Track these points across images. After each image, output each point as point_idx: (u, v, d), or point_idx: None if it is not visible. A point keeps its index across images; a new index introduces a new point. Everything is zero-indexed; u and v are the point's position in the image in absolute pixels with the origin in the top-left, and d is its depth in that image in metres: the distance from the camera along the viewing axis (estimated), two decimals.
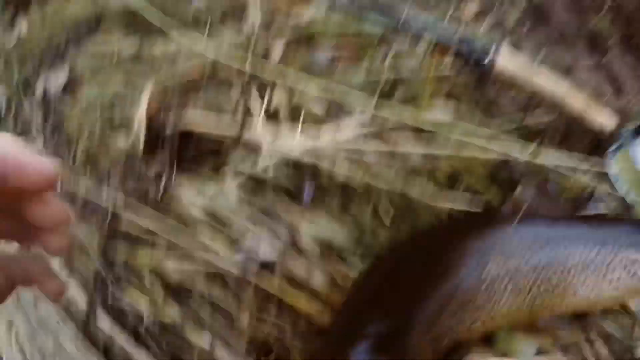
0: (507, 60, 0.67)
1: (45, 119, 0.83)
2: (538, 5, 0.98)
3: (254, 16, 0.70)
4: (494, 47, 0.67)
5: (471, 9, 0.90)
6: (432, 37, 0.66)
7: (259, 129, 0.53)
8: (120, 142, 0.65)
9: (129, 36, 0.90)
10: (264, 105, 0.54)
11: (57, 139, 0.78)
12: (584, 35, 1.11)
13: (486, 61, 0.67)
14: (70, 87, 0.84)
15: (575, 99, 0.69)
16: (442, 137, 0.59)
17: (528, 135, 0.68)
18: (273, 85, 0.56)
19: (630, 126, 0.73)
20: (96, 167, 0.68)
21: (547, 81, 0.68)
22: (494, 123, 0.67)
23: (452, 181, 0.61)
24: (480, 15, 0.91)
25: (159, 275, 0.58)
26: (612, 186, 0.67)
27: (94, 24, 0.95)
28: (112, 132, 0.68)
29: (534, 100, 0.70)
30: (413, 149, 0.56)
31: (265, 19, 0.75)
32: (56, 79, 0.86)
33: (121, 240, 0.60)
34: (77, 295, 0.58)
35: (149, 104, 0.61)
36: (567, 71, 1.01)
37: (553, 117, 0.71)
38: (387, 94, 0.59)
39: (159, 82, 0.66)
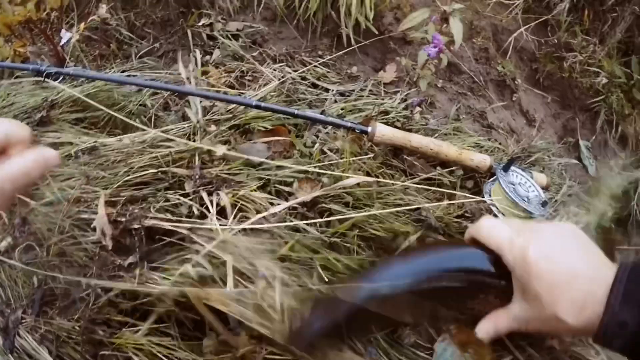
0: (382, 131, 0.79)
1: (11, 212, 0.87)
2: (449, 62, 1.12)
3: (195, 112, 0.79)
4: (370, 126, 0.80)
5: (389, 76, 1.03)
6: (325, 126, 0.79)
7: (212, 221, 0.61)
8: (90, 237, 0.71)
9: (79, 128, 0.97)
10: (215, 202, 0.62)
11: (27, 231, 0.83)
12: (493, 80, 1.26)
13: (369, 132, 0.79)
14: None
15: (448, 149, 0.81)
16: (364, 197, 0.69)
17: (438, 184, 0.80)
18: (220, 183, 0.64)
19: (501, 163, 0.84)
20: (70, 259, 0.73)
21: (420, 141, 0.80)
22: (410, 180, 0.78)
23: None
24: (396, 81, 1.03)
25: (142, 351, 0.63)
26: (490, 212, 0.79)
27: (45, 115, 1.00)
28: (80, 228, 0.74)
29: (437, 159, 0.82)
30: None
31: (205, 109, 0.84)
32: None
33: (103, 325, 0.66)
34: None
35: (110, 204, 0.68)
36: (480, 115, 1.15)
37: (454, 168, 0.83)
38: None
39: (116, 182, 0.73)
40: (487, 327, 0.60)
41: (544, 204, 0.79)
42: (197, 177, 0.66)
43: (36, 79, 1.11)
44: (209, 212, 0.61)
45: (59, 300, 0.71)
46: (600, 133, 1.49)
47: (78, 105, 1.03)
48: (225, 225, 0.59)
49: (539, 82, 1.44)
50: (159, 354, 0.58)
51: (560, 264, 0.53)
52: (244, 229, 0.59)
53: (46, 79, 1.00)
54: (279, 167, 0.65)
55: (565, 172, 1.14)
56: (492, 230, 0.59)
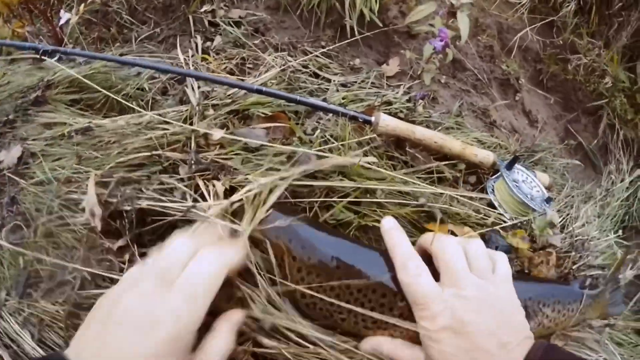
0: (386, 121, 0.77)
1: (0, 191, 0.85)
2: (454, 58, 1.10)
3: (193, 94, 0.76)
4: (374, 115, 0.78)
5: (392, 69, 1.01)
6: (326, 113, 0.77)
7: (208, 205, 0.59)
8: (79, 219, 0.69)
9: (75, 109, 0.95)
10: (212, 192, 0.59)
11: (15, 211, 0.81)
12: (497, 78, 1.25)
13: (372, 122, 0.77)
14: (24, 158, 0.87)
15: (451, 143, 0.80)
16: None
17: (439, 179, 0.78)
18: (217, 170, 0.62)
19: (505, 160, 0.83)
20: (57, 241, 0.71)
21: (424, 134, 0.78)
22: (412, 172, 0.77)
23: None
24: (399, 74, 1.02)
25: None
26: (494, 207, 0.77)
27: (41, 95, 0.98)
28: (69, 208, 0.72)
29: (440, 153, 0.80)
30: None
31: (204, 95, 0.82)
32: (11, 154, 0.88)
33: (88, 310, 0.64)
34: None
35: (101, 184, 0.66)
36: (483, 113, 1.14)
37: (455, 162, 0.81)
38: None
39: (109, 163, 0.71)
40: (378, 346, 0.58)
41: (547, 200, 0.77)
42: (192, 162, 0.63)
43: (33, 56, 1.09)
44: (205, 200, 0.59)
45: (44, 282, 0.69)
46: (602, 137, 1.48)
47: (74, 86, 1.01)
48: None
49: (542, 82, 1.42)
50: None
51: (465, 338, 0.51)
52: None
53: (42, 57, 0.98)
54: (276, 154, 0.63)
55: (568, 174, 1.13)
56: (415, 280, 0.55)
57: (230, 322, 0.53)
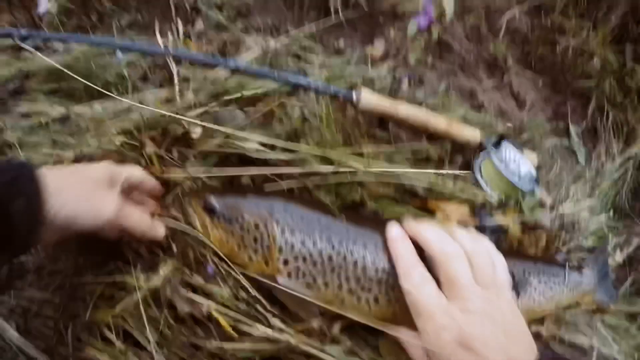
0: (367, 98, 0.76)
1: None
2: (440, 39, 1.08)
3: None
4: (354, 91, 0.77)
5: (377, 51, 0.99)
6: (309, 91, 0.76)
7: None
8: None
9: (54, 98, 0.93)
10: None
11: None
12: (484, 60, 1.23)
13: (354, 100, 0.76)
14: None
15: (437, 120, 0.78)
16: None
17: (424, 158, 0.77)
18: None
19: (492, 138, 0.81)
20: None
21: (408, 110, 0.77)
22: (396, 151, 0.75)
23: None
24: (385, 56, 1.00)
25: (117, 329, 0.61)
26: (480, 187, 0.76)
27: (19, 86, 0.96)
28: None
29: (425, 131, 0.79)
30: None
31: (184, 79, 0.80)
32: None
33: (80, 301, 0.63)
34: (39, 356, 0.60)
35: None
36: (470, 95, 1.12)
37: (440, 141, 0.80)
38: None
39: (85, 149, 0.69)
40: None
41: (536, 181, 0.76)
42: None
43: (11, 45, 1.06)
44: None
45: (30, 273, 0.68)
46: (591, 119, 1.47)
47: (54, 75, 0.99)
48: None
49: (530, 64, 1.40)
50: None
51: (472, 353, 0.50)
52: None
53: (18, 43, 0.95)
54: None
55: (557, 154, 1.12)
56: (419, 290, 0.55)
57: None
